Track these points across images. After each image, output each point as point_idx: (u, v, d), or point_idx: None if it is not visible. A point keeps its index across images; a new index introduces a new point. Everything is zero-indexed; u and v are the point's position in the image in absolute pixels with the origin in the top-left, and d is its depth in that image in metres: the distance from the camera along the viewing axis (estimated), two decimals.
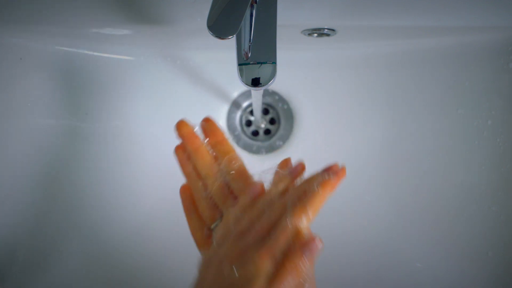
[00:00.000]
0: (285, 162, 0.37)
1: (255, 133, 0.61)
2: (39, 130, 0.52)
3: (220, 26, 0.31)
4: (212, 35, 0.31)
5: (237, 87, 0.60)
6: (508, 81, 0.46)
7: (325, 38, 0.49)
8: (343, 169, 0.32)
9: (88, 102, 0.54)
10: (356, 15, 0.44)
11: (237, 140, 0.60)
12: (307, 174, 0.60)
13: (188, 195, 0.38)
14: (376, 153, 0.55)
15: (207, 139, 0.38)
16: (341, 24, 0.45)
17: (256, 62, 0.37)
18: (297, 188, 0.32)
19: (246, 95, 0.60)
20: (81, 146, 0.54)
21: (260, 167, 0.59)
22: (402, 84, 0.54)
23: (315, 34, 0.48)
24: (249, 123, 0.61)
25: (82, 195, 0.54)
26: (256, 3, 0.36)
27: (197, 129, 0.39)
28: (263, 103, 0.60)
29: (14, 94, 0.50)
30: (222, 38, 0.31)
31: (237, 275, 0.28)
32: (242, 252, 0.29)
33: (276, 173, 0.35)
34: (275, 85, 0.59)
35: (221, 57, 0.56)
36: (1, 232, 0.49)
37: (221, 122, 0.60)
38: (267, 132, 0.61)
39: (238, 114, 0.60)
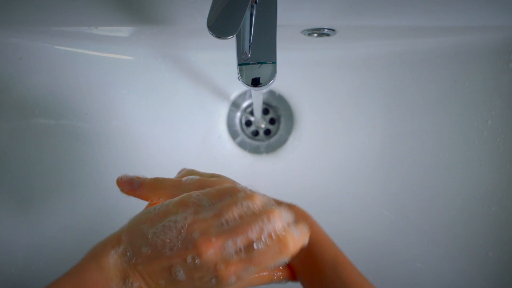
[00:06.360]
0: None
1: (255, 133, 0.61)
2: (39, 130, 0.52)
3: (220, 26, 0.31)
4: (212, 35, 0.31)
5: (237, 87, 0.60)
6: (508, 81, 0.46)
7: (325, 38, 0.49)
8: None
9: (88, 102, 0.54)
10: (356, 15, 0.44)
11: (237, 140, 0.60)
12: (307, 174, 0.60)
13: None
14: (376, 153, 0.55)
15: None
16: (341, 24, 0.45)
17: (256, 62, 0.37)
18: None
19: (246, 95, 0.60)
20: (81, 146, 0.54)
21: (260, 167, 0.59)
22: (402, 84, 0.54)
23: (315, 34, 0.48)
24: (249, 123, 0.61)
25: (82, 195, 0.54)
26: (256, 3, 0.36)
27: None
28: (263, 103, 0.60)
29: (14, 94, 0.50)
30: (222, 38, 0.31)
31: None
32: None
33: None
34: (275, 85, 0.59)
35: (221, 57, 0.56)
36: (0, 232, 0.49)
37: (221, 122, 0.60)
38: (267, 132, 0.61)
39: (238, 114, 0.61)
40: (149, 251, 0.27)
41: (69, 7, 0.45)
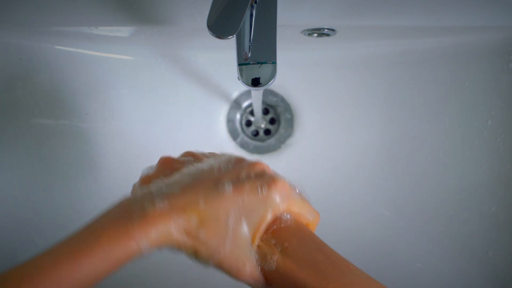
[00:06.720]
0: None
1: (255, 133, 0.61)
2: (39, 130, 0.52)
3: (220, 26, 0.31)
4: (212, 35, 0.31)
5: (237, 87, 0.60)
6: (508, 81, 0.46)
7: (325, 38, 0.49)
8: None
9: (88, 102, 0.54)
10: (356, 15, 0.44)
11: (237, 140, 0.60)
12: (307, 174, 0.60)
13: None
14: (375, 153, 0.55)
15: None
16: (341, 24, 0.45)
17: (256, 62, 0.37)
18: None
19: (246, 95, 0.60)
20: (81, 146, 0.54)
21: None
22: (402, 84, 0.54)
23: (315, 34, 0.48)
24: (249, 123, 0.61)
25: (82, 195, 0.54)
26: (256, 3, 0.36)
27: None
28: (263, 103, 0.60)
29: (14, 94, 0.50)
30: (222, 38, 0.31)
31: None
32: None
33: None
34: (275, 85, 0.59)
35: (221, 57, 0.56)
36: (1, 232, 0.49)
37: (221, 122, 0.60)
38: (267, 132, 0.61)
39: (238, 114, 0.61)
40: (191, 180, 0.26)
41: (69, 7, 0.45)
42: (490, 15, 0.43)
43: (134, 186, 0.32)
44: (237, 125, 0.60)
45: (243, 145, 0.60)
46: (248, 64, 0.37)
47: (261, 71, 0.37)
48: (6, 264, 0.45)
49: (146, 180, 0.31)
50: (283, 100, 0.59)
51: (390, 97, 0.55)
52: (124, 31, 0.49)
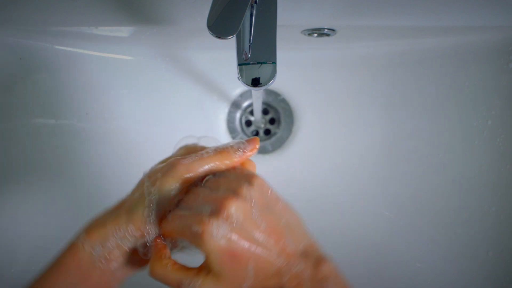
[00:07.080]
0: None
1: (255, 133, 0.61)
2: (39, 130, 0.52)
3: (220, 26, 0.31)
4: (212, 35, 0.31)
5: (237, 87, 0.60)
6: (507, 81, 0.46)
7: (325, 38, 0.49)
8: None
9: (88, 102, 0.54)
10: (356, 15, 0.44)
11: (238, 140, 0.60)
12: (307, 174, 0.59)
13: None
14: (375, 153, 0.55)
15: None
16: (341, 24, 0.45)
17: (256, 62, 0.37)
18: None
19: (246, 95, 0.60)
20: (81, 146, 0.54)
21: (260, 167, 0.59)
22: (402, 84, 0.54)
23: (315, 34, 0.48)
24: (249, 123, 0.61)
25: (82, 195, 0.54)
26: (256, 3, 0.36)
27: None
28: (263, 103, 0.60)
29: (14, 94, 0.50)
30: (222, 38, 0.31)
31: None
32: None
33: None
34: (275, 85, 0.59)
35: (221, 57, 0.56)
36: (1, 233, 0.49)
37: (221, 122, 0.60)
38: (267, 132, 0.61)
39: (238, 114, 0.61)
40: None
41: (69, 7, 0.45)
42: (490, 15, 0.43)
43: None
44: (237, 125, 0.60)
45: None
46: (248, 64, 0.37)
47: (261, 71, 0.37)
48: (6, 263, 0.44)
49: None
50: (283, 100, 0.59)
51: (390, 97, 0.55)
52: (124, 31, 0.49)
